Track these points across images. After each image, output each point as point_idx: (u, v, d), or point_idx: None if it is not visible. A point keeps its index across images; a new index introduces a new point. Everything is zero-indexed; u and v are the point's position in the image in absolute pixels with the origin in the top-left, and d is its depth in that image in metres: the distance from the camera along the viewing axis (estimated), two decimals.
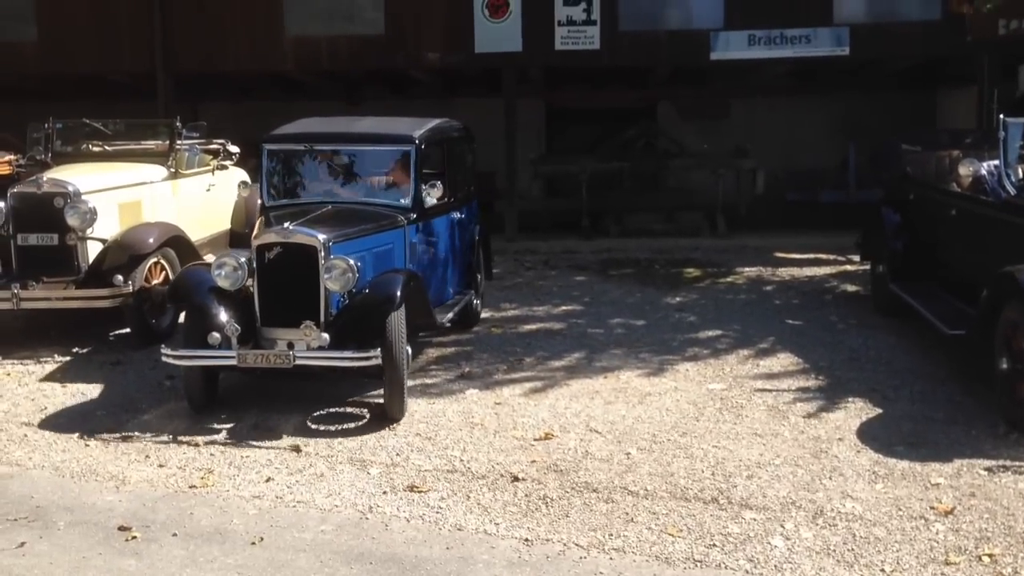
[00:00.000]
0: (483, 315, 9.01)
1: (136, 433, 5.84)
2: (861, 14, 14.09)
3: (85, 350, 7.87)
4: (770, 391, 6.67)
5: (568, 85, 17.36)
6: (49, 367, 7.40)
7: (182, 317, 6.73)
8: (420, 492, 5.00)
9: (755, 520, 4.64)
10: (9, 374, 7.24)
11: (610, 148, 15.74)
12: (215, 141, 10.70)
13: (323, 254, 5.94)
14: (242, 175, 11.14)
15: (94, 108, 11.05)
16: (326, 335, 5.81)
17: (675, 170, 15.83)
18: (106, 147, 9.82)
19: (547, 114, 17.90)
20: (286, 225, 6.04)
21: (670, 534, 4.49)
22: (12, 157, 11.25)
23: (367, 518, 4.71)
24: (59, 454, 5.58)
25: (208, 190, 10.07)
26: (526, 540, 4.46)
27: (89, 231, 7.92)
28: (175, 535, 4.50)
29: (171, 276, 8.39)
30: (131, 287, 7.73)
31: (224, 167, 10.62)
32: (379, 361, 5.77)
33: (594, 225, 14.66)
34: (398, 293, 5.93)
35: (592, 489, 5.02)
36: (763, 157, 15.36)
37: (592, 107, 17.74)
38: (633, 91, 17.22)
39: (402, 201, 6.96)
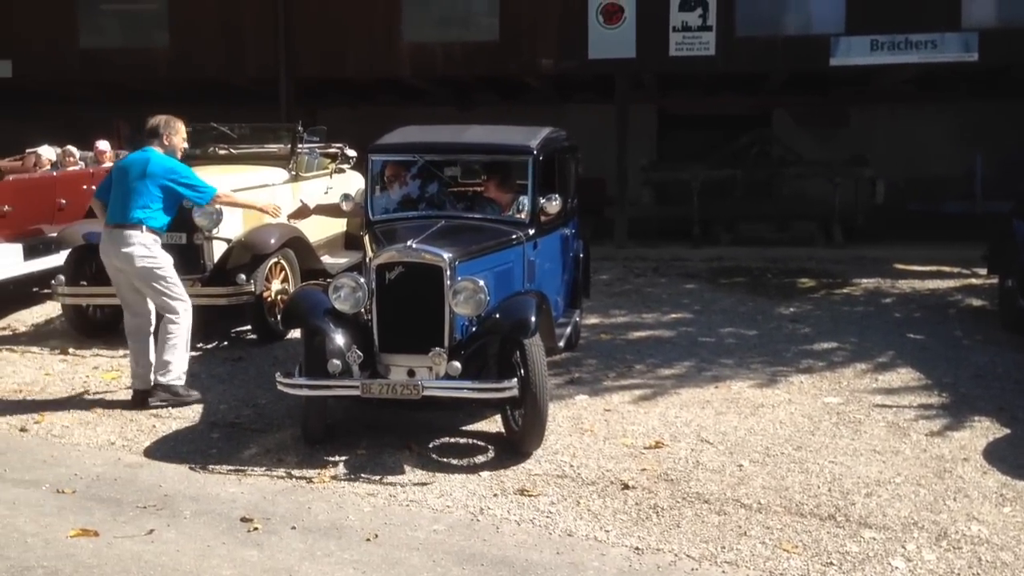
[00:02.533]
0: (591, 321, 9.01)
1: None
2: (991, 18, 13.58)
3: (210, 345, 8.17)
4: (890, 407, 6.48)
5: (681, 91, 17.23)
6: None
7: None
8: (530, 496, 5.02)
9: (875, 540, 4.51)
10: None
11: (722, 155, 15.55)
12: (333, 145, 11.00)
13: (449, 274, 5.49)
14: (358, 179, 11.39)
15: (220, 112, 11.49)
16: (457, 364, 5.34)
17: (789, 178, 15.54)
18: (232, 150, 10.19)
19: (659, 120, 17.79)
20: (409, 243, 5.56)
21: (785, 550, 4.40)
22: None
23: (478, 520, 4.76)
24: (185, 445, 5.80)
25: (326, 193, 10.34)
26: (637, 549, 4.44)
27: (215, 231, 8.19)
28: (294, 528, 4.63)
29: (290, 277, 8.66)
30: (253, 286, 7.99)
31: (342, 170, 10.90)
32: (516, 392, 5.35)
33: (705, 233, 14.51)
34: (533, 318, 5.45)
35: (704, 500, 4.96)
36: (883, 165, 14.96)
37: (705, 113, 17.55)
38: (747, 97, 16.99)
39: (518, 216, 6.42)
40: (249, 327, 8.38)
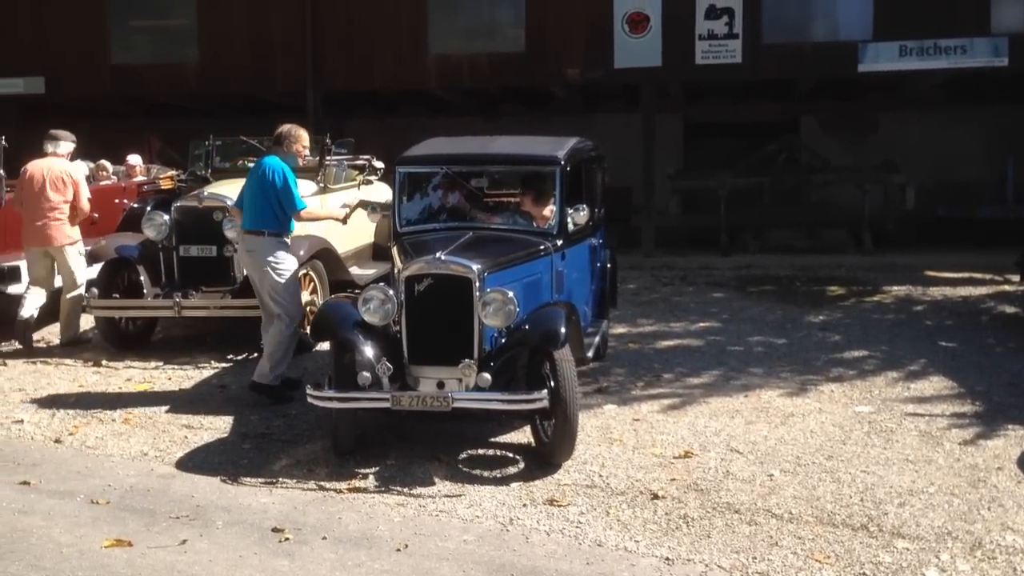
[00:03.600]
0: (619, 330, 8.99)
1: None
2: (1021, 23, 13.48)
3: (240, 357, 8.24)
4: (922, 415, 6.42)
5: (707, 99, 17.19)
6: (207, 372, 7.78)
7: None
8: (560, 506, 5.02)
9: (908, 550, 4.47)
10: (170, 378, 7.64)
11: (750, 163, 15.49)
12: (361, 157, 11.06)
13: (478, 285, 5.49)
14: (386, 190, 11.45)
15: (248, 126, 11.60)
16: (487, 375, 5.33)
17: (818, 185, 15.45)
18: None
19: (685, 128, 17.75)
20: (438, 255, 5.55)
21: (817, 560, 4.37)
22: (174, 173, 11.89)
23: (508, 530, 4.76)
24: (217, 456, 5.85)
25: None
26: (667, 559, 4.42)
27: None
28: (324, 538, 4.66)
29: (319, 288, 8.71)
30: None
31: (369, 182, 10.96)
32: (546, 404, 5.32)
33: (732, 241, 14.45)
34: (562, 329, 5.41)
35: (734, 510, 4.94)
36: (913, 172, 14.85)
37: (731, 121, 17.49)
38: (774, 105, 16.92)
39: (545, 226, 6.45)
40: None
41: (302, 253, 8.38)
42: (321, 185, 9.78)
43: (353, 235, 10.29)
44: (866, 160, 15.61)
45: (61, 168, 8.59)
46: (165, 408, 6.80)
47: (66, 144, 8.80)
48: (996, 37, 13.32)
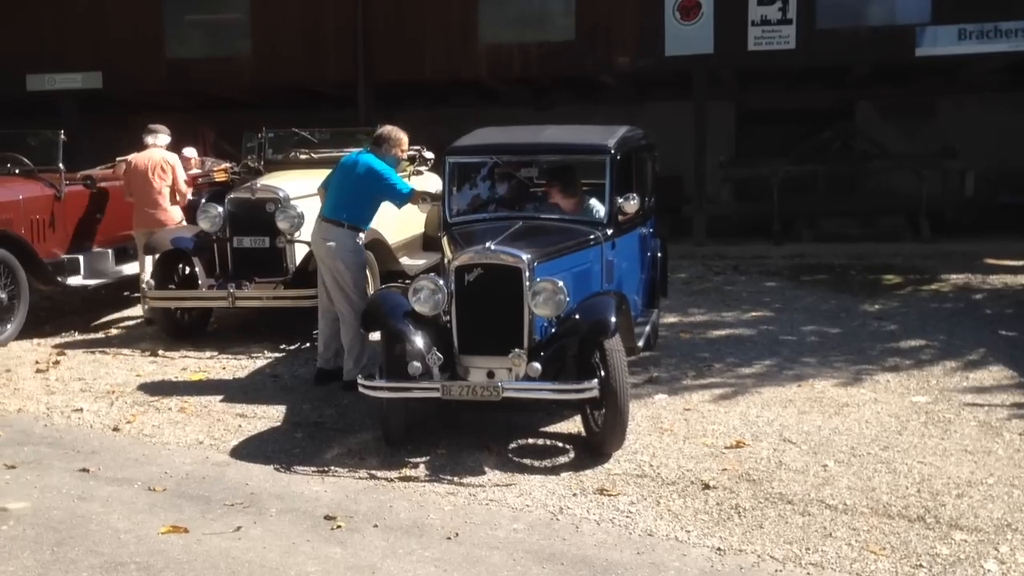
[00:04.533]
0: (670, 320, 8.93)
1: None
2: None
3: (292, 347, 8.33)
4: (981, 406, 6.29)
5: (760, 86, 16.97)
6: (260, 362, 7.88)
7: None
8: (610, 496, 5.00)
9: (966, 542, 4.38)
10: (224, 368, 7.75)
11: (804, 150, 15.25)
12: (411, 147, 11.09)
13: (528, 275, 5.47)
14: (436, 180, 11.48)
15: (300, 118, 11.72)
16: (537, 365, 5.30)
17: (874, 172, 15.18)
18: (312, 154, 10.37)
19: (737, 116, 17.54)
20: (488, 245, 5.54)
21: (872, 552, 4.30)
22: (228, 165, 12.05)
23: (558, 519, 4.76)
24: (270, 444, 5.93)
25: None
26: (718, 549, 4.39)
27: (297, 234, 8.36)
28: (376, 526, 4.69)
29: (370, 278, 8.76)
30: None
31: (420, 172, 10.99)
32: (596, 393, 5.31)
33: (786, 230, 14.26)
34: (613, 318, 5.39)
35: (787, 501, 4.88)
36: (973, 158, 14.50)
37: (785, 108, 17.24)
38: (829, 91, 16.64)
39: (596, 215, 6.48)
40: None
41: None
42: None
43: (404, 225, 10.35)
44: (923, 146, 15.29)
45: (161, 157, 9.50)
46: (220, 397, 6.90)
47: (164, 136, 9.75)
48: None
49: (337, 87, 15.68)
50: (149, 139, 9.69)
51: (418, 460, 5.54)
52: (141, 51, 15.54)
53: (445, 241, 6.35)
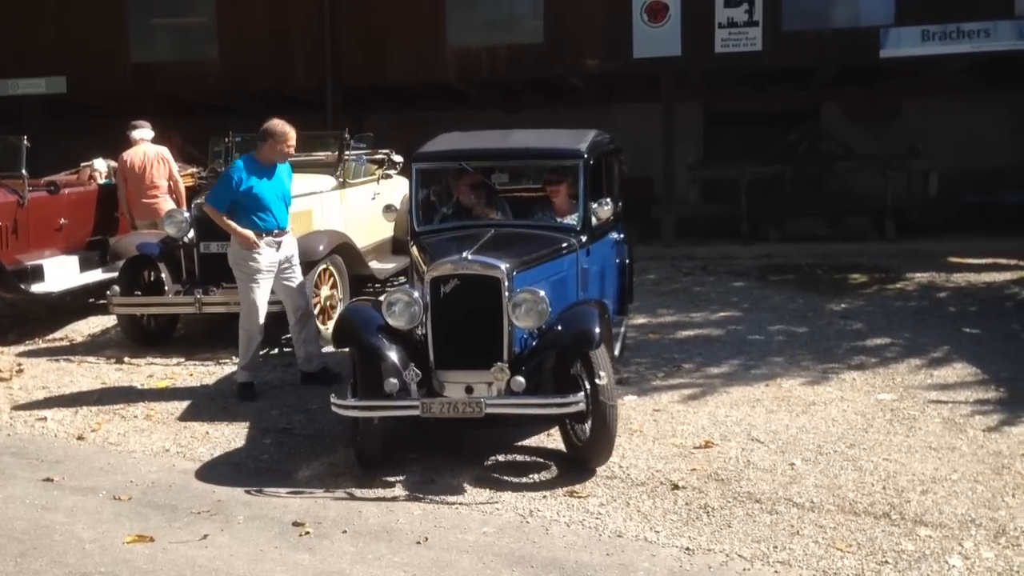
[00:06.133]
0: (639, 320, 8.96)
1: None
2: None
3: (261, 352, 8.25)
4: (945, 403, 6.36)
5: (727, 88, 17.07)
6: (228, 368, 7.81)
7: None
8: (579, 497, 5.01)
9: (931, 538, 4.43)
10: (191, 374, 7.69)
11: (771, 151, 15.38)
12: (380, 151, 11.08)
13: (507, 285, 5.25)
14: (405, 184, 11.45)
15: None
16: (521, 379, 5.09)
17: (840, 173, 15.32)
18: None
19: (705, 118, 17.64)
20: (465, 255, 5.33)
21: (839, 549, 4.33)
22: (195, 170, 11.96)
23: (528, 522, 4.75)
24: (238, 451, 5.88)
25: (373, 198, 10.42)
26: (687, 549, 4.41)
27: (185, 239, 8.31)
28: (345, 532, 4.67)
29: (339, 282, 8.74)
30: None
31: (388, 176, 10.98)
32: (583, 407, 5.11)
33: (753, 230, 14.36)
34: (597, 329, 5.21)
35: (755, 500, 4.91)
36: (937, 158, 14.68)
37: (752, 110, 17.36)
38: (795, 92, 16.77)
39: (568, 222, 6.32)
40: None
41: (321, 248, 8.43)
42: (340, 180, 9.80)
43: (373, 230, 10.32)
44: (889, 147, 15.45)
45: (155, 151, 10.11)
46: (186, 404, 6.84)
47: (149, 131, 10.28)
48: (1020, 20, 13.12)
49: (305, 91, 15.60)
50: (136, 134, 10.16)
51: (393, 479, 5.29)
52: (106, 55, 15.38)
53: (415, 250, 6.17)
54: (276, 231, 6.90)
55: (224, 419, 6.49)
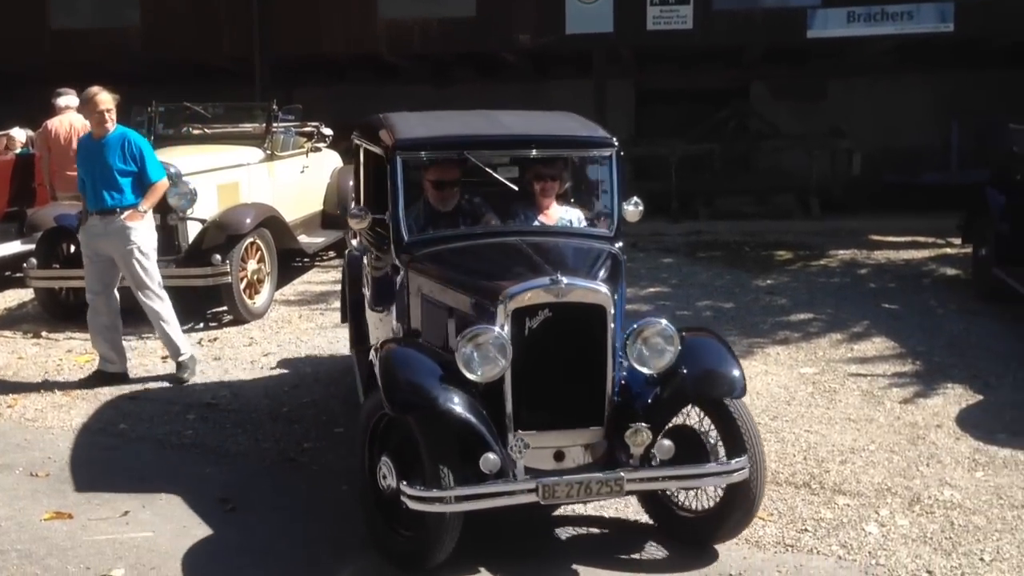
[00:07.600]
0: None
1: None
2: None
3: (185, 327, 8.09)
4: (864, 376, 6.52)
5: (658, 65, 17.17)
6: (150, 343, 7.64)
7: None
8: None
9: (848, 506, 4.55)
10: None
11: (701, 130, 15.52)
12: (309, 124, 10.92)
13: (612, 314, 4.03)
14: (335, 157, 11.34)
15: (193, 92, 11.36)
16: (669, 443, 3.91)
17: (767, 151, 15.52)
18: (205, 130, 10.11)
19: (637, 95, 17.73)
20: (559, 277, 3.96)
21: (760, 518, 4.41)
22: None
23: None
24: (161, 427, 5.77)
25: (302, 172, 10.29)
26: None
27: (189, 212, 8.13)
28: (273, 509, 4.62)
29: (266, 256, 8.60)
30: (229, 267, 7.93)
31: (318, 149, 10.84)
32: (747, 474, 3.96)
33: (683, 208, 14.49)
34: (736, 371, 4.11)
35: None
36: (860, 138, 14.96)
37: (682, 88, 17.50)
38: (726, 71, 16.93)
39: (601, 229, 5.03)
40: (225, 308, 8.32)
41: (248, 221, 8.30)
42: (268, 152, 9.65)
43: (303, 203, 10.20)
44: (815, 127, 15.72)
45: (82, 121, 9.15)
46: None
47: (75, 99, 9.31)
48: (942, 3, 13.41)
49: (232, 60, 15.26)
50: (61, 102, 9.70)
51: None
52: (23, 21, 14.83)
53: (412, 273, 4.58)
54: (100, 211, 6.34)
55: (147, 395, 6.36)
